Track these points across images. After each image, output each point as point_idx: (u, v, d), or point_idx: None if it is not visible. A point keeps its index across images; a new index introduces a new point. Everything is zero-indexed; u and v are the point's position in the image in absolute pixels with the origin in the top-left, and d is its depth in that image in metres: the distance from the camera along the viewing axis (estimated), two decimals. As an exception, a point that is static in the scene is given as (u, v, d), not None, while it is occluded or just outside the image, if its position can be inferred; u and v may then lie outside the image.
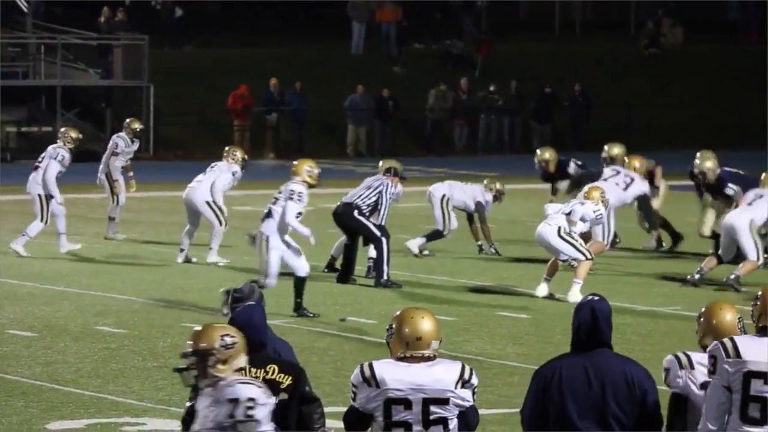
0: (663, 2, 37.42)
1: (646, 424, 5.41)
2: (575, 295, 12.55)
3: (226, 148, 16.43)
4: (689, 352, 5.60)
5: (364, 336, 11.55)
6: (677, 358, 5.57)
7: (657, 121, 32.76)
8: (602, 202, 13.48)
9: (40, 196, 15.76)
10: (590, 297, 5.68)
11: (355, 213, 14.07)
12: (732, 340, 5.32)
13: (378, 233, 13.94)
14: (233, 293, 6.55)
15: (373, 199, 14.24)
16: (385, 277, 13.92)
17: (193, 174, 16.16)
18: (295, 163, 13.31)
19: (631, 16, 38.58)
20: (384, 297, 13.31)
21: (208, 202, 15.42)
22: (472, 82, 32.84)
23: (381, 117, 31.47)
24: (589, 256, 13.12)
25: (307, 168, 12.82)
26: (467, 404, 5.39)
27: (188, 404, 5.35)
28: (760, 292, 5.75)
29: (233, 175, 15.77)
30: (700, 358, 5.54)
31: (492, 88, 31.94)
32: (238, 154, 16.11)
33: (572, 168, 16.85)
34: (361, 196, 14.33)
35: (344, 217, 14.24)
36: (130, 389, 9.46)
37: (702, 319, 5.72)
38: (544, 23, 37.92)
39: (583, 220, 13.04)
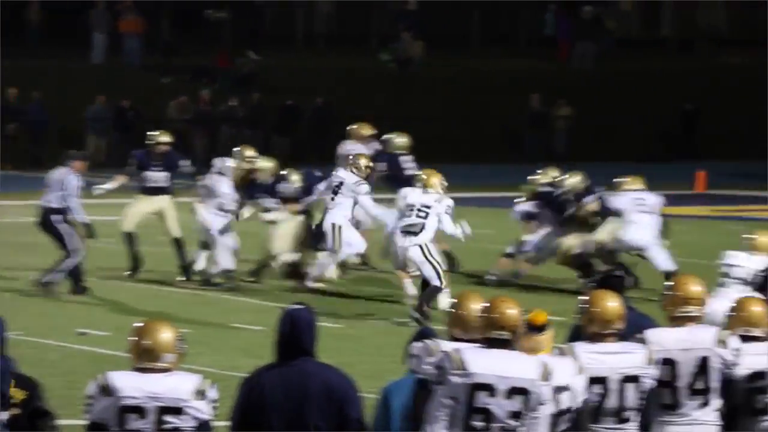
0: (404, 16, 37.89)
1: (348, 429, 5.48)
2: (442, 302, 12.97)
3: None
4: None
5: (96, 348, 11.37)
6: (427, 345, 5.62)
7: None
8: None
9: None
10: (292, 306, 5.77)
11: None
12: (459, 351, 5.44)
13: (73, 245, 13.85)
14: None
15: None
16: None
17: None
18: (423, 176, 13.63)
19: (372, 29, 39.11)
20: (119, 309, 13.11)
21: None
22: (215, 94, 32.77)
23: (120, 128, 30.94)
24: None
25: (440, 180, 13.46)
26: (204, 417, 5.42)
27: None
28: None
29: None
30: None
31: (233, 101, 32.00)
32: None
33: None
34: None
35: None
36: None
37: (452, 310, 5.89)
38: (287, 36, 38.01)
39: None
